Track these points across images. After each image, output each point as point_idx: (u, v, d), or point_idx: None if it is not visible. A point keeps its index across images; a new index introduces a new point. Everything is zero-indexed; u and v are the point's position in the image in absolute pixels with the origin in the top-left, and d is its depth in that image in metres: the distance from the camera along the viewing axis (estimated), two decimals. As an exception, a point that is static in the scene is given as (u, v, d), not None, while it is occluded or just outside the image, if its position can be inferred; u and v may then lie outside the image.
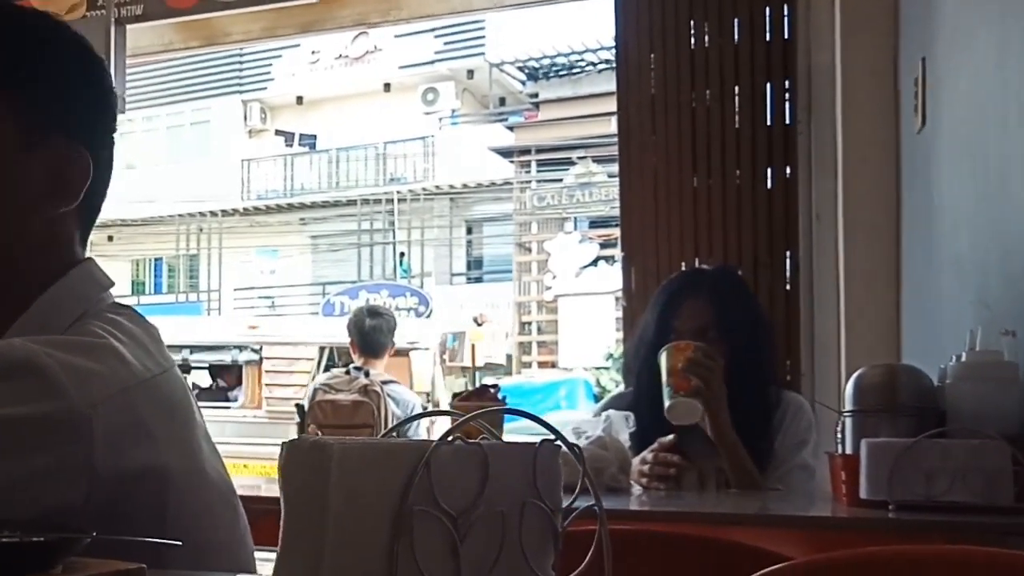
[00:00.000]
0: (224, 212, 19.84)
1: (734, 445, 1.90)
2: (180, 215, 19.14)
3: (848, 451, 1.54)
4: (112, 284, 0.97)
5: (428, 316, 17.62)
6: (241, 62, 20.43)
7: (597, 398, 10.62)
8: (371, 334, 4.30)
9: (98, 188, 0.95)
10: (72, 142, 0.92)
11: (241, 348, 8.72)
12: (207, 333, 9.30)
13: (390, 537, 0.55)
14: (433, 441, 0.56)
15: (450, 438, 0.57)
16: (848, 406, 1.58)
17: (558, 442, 0.61)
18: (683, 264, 2.90)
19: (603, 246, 16.72)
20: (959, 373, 1.47)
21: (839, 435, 1.60)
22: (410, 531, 0.55)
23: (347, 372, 4.29)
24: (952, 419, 1.45)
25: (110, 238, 19.28)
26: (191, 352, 8.62)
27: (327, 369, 6.66)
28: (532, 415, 0.62)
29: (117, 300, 0.96)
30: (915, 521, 1.35)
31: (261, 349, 8.58)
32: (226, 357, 8.80)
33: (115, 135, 0.99)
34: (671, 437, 1.89)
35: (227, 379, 8.85)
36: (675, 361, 1.89)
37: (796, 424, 2.01)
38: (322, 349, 8.43)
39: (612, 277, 15.17)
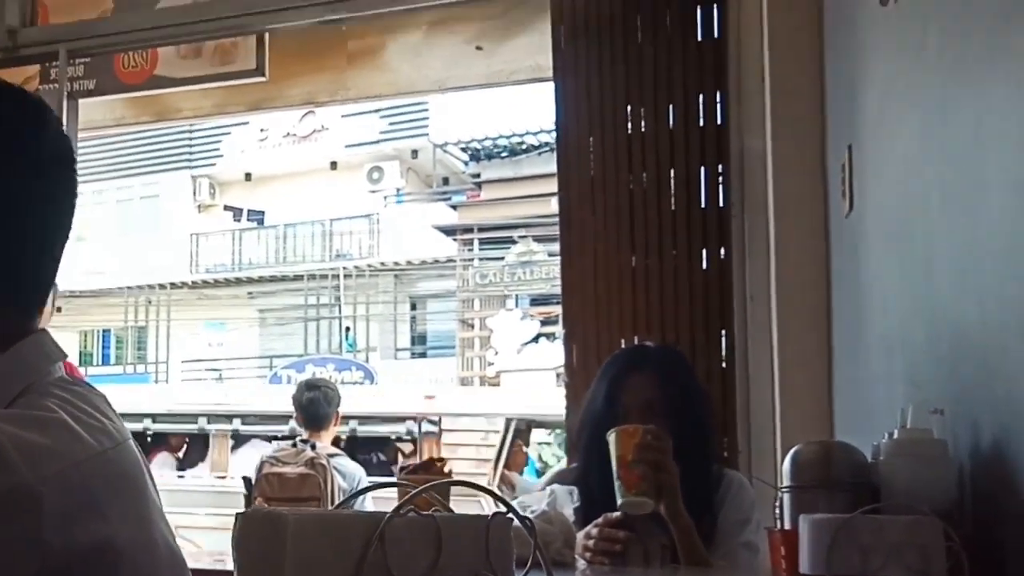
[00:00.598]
0: (173, 285, 19.72)
1: (688, 528, 1.90)
2: (129, 287, 18.99)
3: (787, 527, 1.57)
4: (64, 356, 0.96)
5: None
6: (191, 139, 20.48)
7: (539, 473, 10.57)
8: (309, 407, 4.34)
9: (44, 254, 0.95)
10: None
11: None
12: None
13: (345, 607, 0.57)
14: (386, 513, 0.58)
15: (402, 511, 0.59)
16: (785, 482, 1.61)
17: (509, 515, 0.63)
18: (623, 341, 2.95)
19: (544, 323, 16.81)
20: (891, 450, 1.51)
21: (777, 511, 1.63)
22: (364, 601, 0.57)
23: (294, 445, 4.27)
24: (886, 495, 1.48)
25: (58, 309, 18.91)
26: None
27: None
28: (482, 487, 0.65)
29: (68, 375, 0.95)
30: (852, 596, 1.37)
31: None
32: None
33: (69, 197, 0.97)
34: (617, 513, 1.90)
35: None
36: (625, 450, 1.88)
37: (739, 501, 2.03)
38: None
39: (553, 353, 15.22)
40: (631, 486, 1.86)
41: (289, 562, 0.56)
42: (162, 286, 19.68)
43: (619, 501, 1.87)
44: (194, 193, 20.97)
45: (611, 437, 1.91)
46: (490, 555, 0.62)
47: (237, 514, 0.58)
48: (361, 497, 4.20)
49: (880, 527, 1.38)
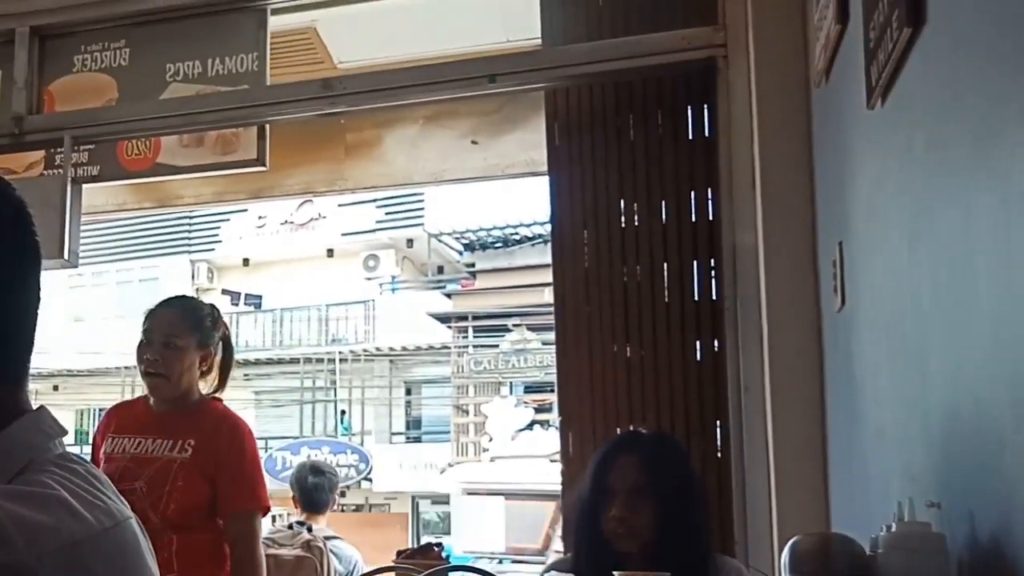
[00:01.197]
0: (172, 366, 19.57)
1: None
2: (126, 367, 18.91)
3: (785, 618, 1.56)
4: (63, 433, 0.95)
5: (368, 473, 17.37)
6: (190, 225, 20.72)
7: (536, 563, 10.43)
8: (313, 492, 4.35)
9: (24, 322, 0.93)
10: None
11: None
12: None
13: None
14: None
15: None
16: (784, 574, 1.61)
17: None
18: (618, 429, 2.97)
19: (538, 410, 16.78)
20: (890, 543, 1.51)
21: (773, 602, 1.62)
22: None
23: (289, 527, 4.23)
24: (886, 589, 1.48)
25: (55, 387, 18.99)
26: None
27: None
28: (482, 571, 0.65)
29: (67, 451, 0.94)
30: None
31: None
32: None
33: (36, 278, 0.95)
34: None
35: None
36: None
37: None
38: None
39: (547, 441, 15.15)
40: None
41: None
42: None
43: None
44: (192, 277, 21.11)
45: None
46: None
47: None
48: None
49: (879, 622, 1.38)
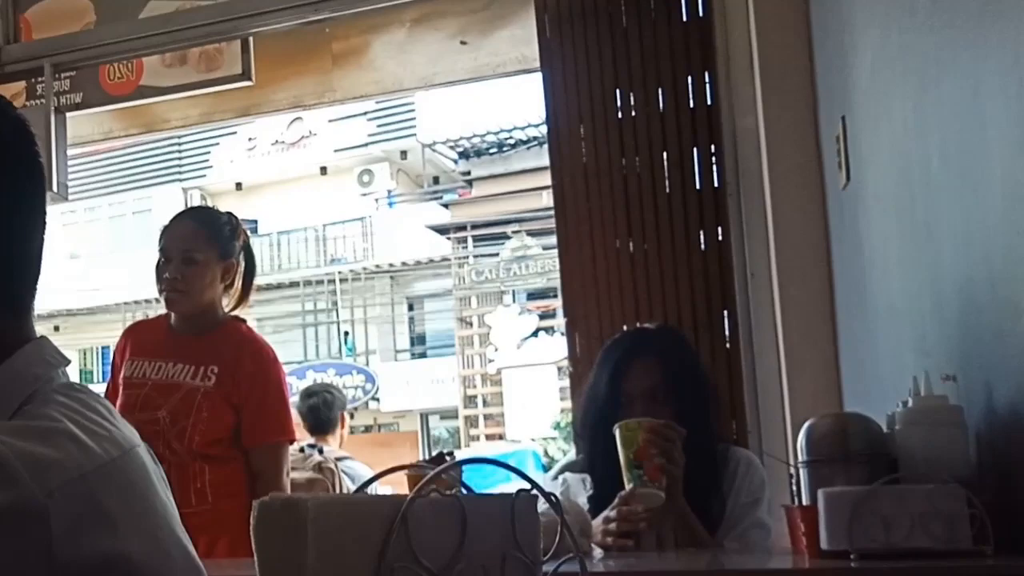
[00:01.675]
0: (169, 298, 19.63)
1: (684, 516, 1.90)
2: (125, 303, 18.94)
3: (805, 503, 1.55)
4: (66, 362, 0.93)
5: (375, 393, 17.49)
6: (180, 151, 20.48)
7: (546, 468, 10.58)
8: (311, 414, 4.32)
9: (28, 247, 0.91)
10: None
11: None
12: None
13: (370, 595, 0.55)
14: (409, 495, 0.56)
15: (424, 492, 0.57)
16: (800, 458, 1.59)
17: (534, 492, 0.62)
18: (625, 327, 2.93)
19: (542, 317, 16.82)
20: (907, 419, 1.49)
21: (793, 487, 1.61)
22: (391, 588, 0.55)
23: (301, 450, 4.24)
24: (904, 465, 1.46)
25: (56, 328, 19.03)
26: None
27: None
28: (505, 464, 0.62)
29: (71, 380, 0.92)
30: (878, 569, 1.36)
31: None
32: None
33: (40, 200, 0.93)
34: (616, 511, 1.87)
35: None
36: (634, 442, 1.86)
37: (749, 482, 2.02)
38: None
39: (553, 348, 15.23)
40: (642, 478, 1.85)
41: (310, 549, 0.54)
42: (158, 301, 19.59)
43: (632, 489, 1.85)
44: (186, 205, 20.94)
45: (617, 431, 1.89)
46: (517, 534, 0.60)
47: (255, 504, 0.56)
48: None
49: (902, 497, 1.36)
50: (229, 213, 2.86)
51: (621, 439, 1.88)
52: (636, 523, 1.85)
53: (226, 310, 2.78)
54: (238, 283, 2.79)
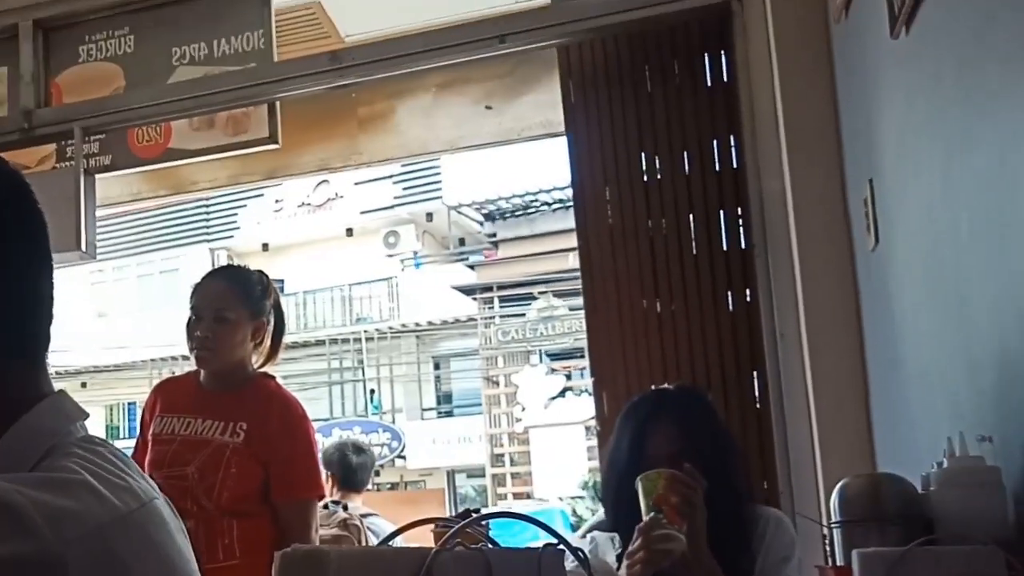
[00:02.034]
0: (197, 356, 19.79)
1: (711, 572, 1.87)
2: (152, 360, 19.07)
3: (839, 563, 1.53)
4: (85, 416, 0.93)
5: (402, 451, 17.41)
6: (208, 213, 20.75)
7: (574, 528, 10.47)
8: (357, 471, 4.31)
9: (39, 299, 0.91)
10: None
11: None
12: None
13: (397, 656, 0.54)
14: (433, 548, 0.55)
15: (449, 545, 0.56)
16: (833, 518, 1.57)
17: (561, 547, 0.61)
18: (653, 387, 2.91)
19: (568, 377, 16.78)
20: (943, 479, 1.47)
21: (827, 547, 1.59)
22: (416, 648, 0.54)
23: (325, 507, 4.22)
24: (940, 526, 1.44)
25: (83, 384, 19.20)
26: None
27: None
28: (533, 519, 0.62)
29: (89, 434, 0.92)
30: (911, 631, 1.33)
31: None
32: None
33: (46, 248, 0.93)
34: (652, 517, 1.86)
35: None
36: (655, 489, 1.86)
37: (779, 540, 1.99)
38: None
39: (580, 408, 15.16)
40: (662, 521, 1.83)
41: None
42: (185, 357, 19.71)
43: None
44: (213, 265, 21.09)
45: (639, 483, 1.88)
46: (544, 590, 0.59)
47: (277, 554, 0.55)
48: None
49: (938, 559, 1.34)
50: (260, 272, 2.86)
51: (642, 489, 1.87)
52: (667, 541, 1.81)
53: (255, 367, 2.77)
54: (267, 341, 2.78)
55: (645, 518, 1.86)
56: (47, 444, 0.87)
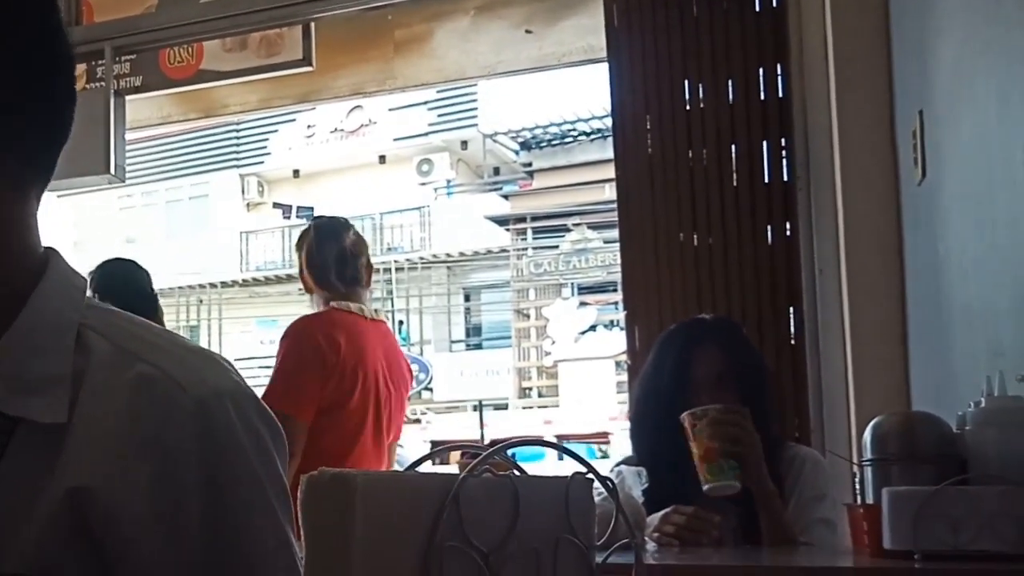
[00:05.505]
0: (224, 284, 20.01)
1: (772, 496, 1.86)
2: (180, 287, 19.26)
3: (869, 501, 1.50)
4: (85, 281, 0.77)
5: (429, 383, 17.55)
6: (238, 138, 20.71)
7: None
8: None
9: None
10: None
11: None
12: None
13: (419, 574, 0.52)
14: (461, 473, 0.53)
15: (477, 471, 0.54)
16: (866, 456, 1.54)
17: (589, 475, 0.59)
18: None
19: (600, 311, 16.75)
20: (980, 419, 1.44)
21: (857, 486, 1.56)
22: (440, 568, 0.52)
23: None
24: (974, 466, 1.41)
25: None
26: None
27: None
28: (561, 447, 0.59)
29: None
30: (944, 570, 1.31)
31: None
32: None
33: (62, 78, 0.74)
34: (691, 508, 1.83)
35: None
36: (702, 433, 1.82)
37: (814, 478, 1.97)
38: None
39: (610, 342, 15.16)
40: (714, 471, 1.80)
41: (359, 526, 0.51)
42: (213, 285, 19.98)
43: (705, 487, 1.81)
44: (243, 192, 21.21)
45: (685, 421, 1.85)
46: (571, 517, 0.57)
47: (302, 477, 0.53)
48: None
49: (971, 498, 1.31)
50: None
51: (691, 432, 1.83)
52: (709, 529, 1.80)
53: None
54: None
55: (698, 464, 1.82)
56: (75, 321, 0.72)
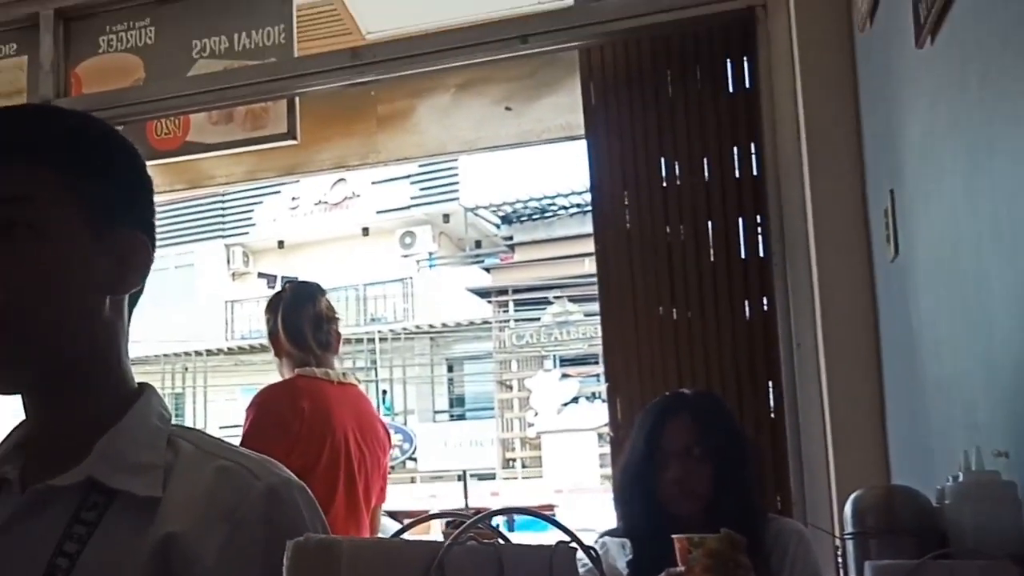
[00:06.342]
0: (209, 352, 19.94)
1: None
2: (166, 355, 19.17)
3: (851, 574, 1.51)
4: (170, 412, 1.02)
5: (413, 453, 17.41)
6: (223, 209, 20.82)
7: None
8: None
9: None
10: (134, 230, 1.01)
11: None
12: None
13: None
14: (446, 541, 0.54)
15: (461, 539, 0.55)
16: (846, 529, 1.55)
17: (573, 544, 0.60)
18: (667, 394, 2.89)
19: (582, 383, 16.74)
20: (958, 493, 1.45)
21: (839, 559, 1.57)
22: (424, 640, 0.53)
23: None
24: (954, 540, 1.42)
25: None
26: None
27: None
28: (545, 516, 0.61)
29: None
30: (923, 646, 1.31)
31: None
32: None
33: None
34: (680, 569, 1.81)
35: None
36: (700, 565, 1.71)
37: (804, 555, 1.97)
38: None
39: (592, 414, 15.12)
40: None
41: (344, 592, 0.52)
42: (199, 353, 19.91)
43: None
44: (228, 261, 21.25)
45: (676, 544, 1.82)
46: (555, 586, 0.58)
47: (289, 544, 0.54)
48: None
49: (952, 572, 1.32)
50: None
51: (685, 557, 1.74)
52: None
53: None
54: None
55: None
56: (165, 432, 0.94)
